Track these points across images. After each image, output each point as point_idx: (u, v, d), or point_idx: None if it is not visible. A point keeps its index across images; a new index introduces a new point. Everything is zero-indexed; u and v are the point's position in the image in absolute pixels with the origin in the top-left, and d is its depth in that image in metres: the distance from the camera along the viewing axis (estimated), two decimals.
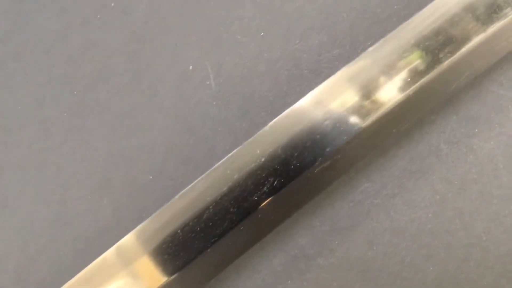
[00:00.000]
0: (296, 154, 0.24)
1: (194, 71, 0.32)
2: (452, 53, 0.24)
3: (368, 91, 0.25)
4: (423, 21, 0.25)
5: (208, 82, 0.32)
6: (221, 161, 0.25)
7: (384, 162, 0.29)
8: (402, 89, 0.25)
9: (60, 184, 0.32)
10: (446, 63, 0.24)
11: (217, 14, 0.32)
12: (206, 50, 0.32)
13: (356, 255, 0.28)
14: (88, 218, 0.31)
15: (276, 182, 0.24)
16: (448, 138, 0.28)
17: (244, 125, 0.31)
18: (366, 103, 0.25)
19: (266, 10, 0.32)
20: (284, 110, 0.27)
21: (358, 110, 0.25)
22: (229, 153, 0.26)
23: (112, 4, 0.34)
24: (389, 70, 0.25)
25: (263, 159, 0.24)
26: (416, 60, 0.25)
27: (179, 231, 0.24)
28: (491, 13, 0.24)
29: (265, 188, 0.24)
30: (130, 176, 0.31)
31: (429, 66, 0.24)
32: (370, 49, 0.26)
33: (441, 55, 0.24)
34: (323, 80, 0.27)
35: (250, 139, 0.26)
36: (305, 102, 0.26)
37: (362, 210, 0.29)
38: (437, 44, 0.24)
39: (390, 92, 0.25)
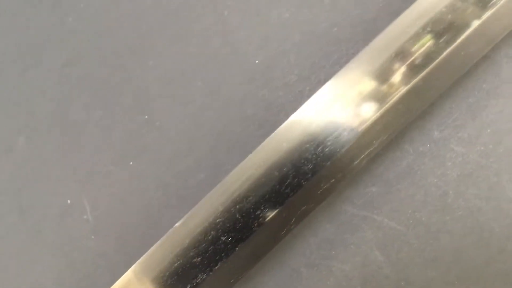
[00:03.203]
0: None
1: (72, 205, 0.33)
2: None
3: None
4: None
5: (85, 216, 0.33)
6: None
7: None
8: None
9: None
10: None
11: (89, 144, 0.33)
12: (82, 183, 0.33)
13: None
14: None
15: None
16: (308, 261, 0.29)
17: (122, 258, 0.32)
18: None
19: (133, 139, 0.32)
20: (158, 239, 0.27)
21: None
22: None
23: None
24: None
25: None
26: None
27: None
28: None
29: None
30: None
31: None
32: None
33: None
34: (194, 204, 0.27)
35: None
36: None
37: None
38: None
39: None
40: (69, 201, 0.33)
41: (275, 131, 0.24)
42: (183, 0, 0.33)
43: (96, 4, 0.35)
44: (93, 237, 0.32)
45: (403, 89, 0.24)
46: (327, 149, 0.23)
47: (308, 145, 0.23)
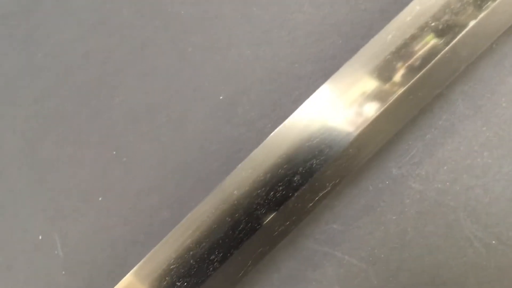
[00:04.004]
0: None
1: (43, 241, 0.33)
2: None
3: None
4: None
5: (56, 252, 0.33)
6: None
7: None
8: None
9: None
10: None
11: (59, 180, 0.33)
12: (52, 219, 0.33)
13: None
14: None
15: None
16: None
17: None
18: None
19: (101, 175, 0.33)
20: (125, 275, 0.28)
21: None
22: None
23: None
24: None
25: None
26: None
27: None
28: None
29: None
30: None
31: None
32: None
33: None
34: (160, 241, 0.28)
35: None
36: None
37: None
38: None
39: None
40: (40, 237, 0.33)
41: (225, 179, 0.24)
42: (148, 37, 0.33)
43: (65, 41, 0.35)
44: (63, 272, 0.32)
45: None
46: (278, 194, 0.24)
47: (259, 191, 0.24)
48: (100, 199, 0.33)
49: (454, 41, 0.23)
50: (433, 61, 0.23)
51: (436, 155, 0.27)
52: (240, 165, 0.24)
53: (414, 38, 0.24)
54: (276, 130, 0.25)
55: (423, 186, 0.27)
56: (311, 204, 0.25)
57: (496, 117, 0.26)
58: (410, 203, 0.27)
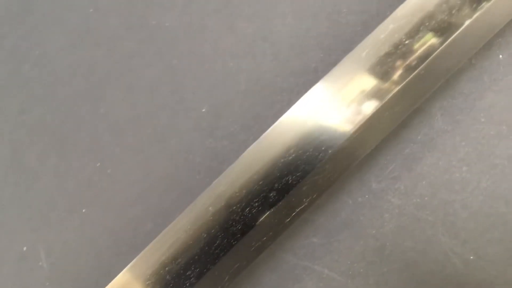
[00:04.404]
0: None
1: (28, 252, 0.34)
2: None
3: None
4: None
5: (40, 263, 0.33)
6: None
7: None
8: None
9: None
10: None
11: (44, 191, 0.34)
12: (37, 230, 0.34)
13: None
14: None
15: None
16: None
17: None
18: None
19: (86, 186, 0.33)
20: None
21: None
22: None
23: None
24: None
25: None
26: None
27: None
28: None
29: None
30: None
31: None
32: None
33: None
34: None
35: None
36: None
37: None
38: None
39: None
40: (24, 248, 0.33)
41: (201, 195, 0.24)
42: (134, 49, 0.34)
43: (51, 52, 0.35)
44: (48, 284, 0.33)
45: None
46: (254, 210, 0.24)
47: (235, 207, 0.24)
48: (84, 210, 0.33)
49: (428, 60, 0.23)
50: (406, 80, 0.23)
51: (415, 170, 0.27)
52: (215, 181, 0.24)
53: (389, 55, 0.24)
54: (251, 146, 0.25)
55: (402, 200, 0.27)
56: (288, 220, 0.25)
57: (475, 132, 0.26)
58: (389, 218, 0.27)
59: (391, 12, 0.26)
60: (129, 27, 0.34)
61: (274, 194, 0.24)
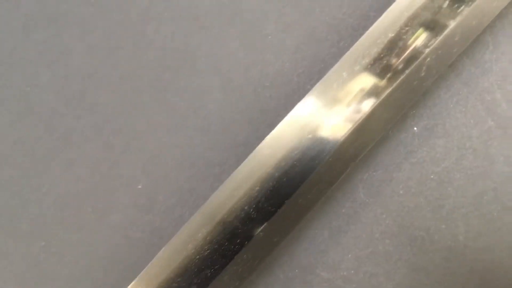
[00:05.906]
0: None
1: None
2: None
3: None
4: None
5: None
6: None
7: None
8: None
9: None
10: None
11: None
12: None
13: None
14: None
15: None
16: None
17: None
18: None
19: (31, 266, 0.33)
20: None
21: None
22: None
23: None
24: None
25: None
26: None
27: None
28: None
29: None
30: None
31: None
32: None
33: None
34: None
35: None
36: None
37: None
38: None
39: None
40: None
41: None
42: (73, 126, 0.34)
43: None
44: None
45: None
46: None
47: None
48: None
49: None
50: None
51: (341, 243, 0.28)
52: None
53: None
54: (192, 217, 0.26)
55: (330, 274, 0.28)
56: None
57: (394, 204, 0.27)
58: None
59: (311, 87, 0.27)
60: (68, 103, 0.35)
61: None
